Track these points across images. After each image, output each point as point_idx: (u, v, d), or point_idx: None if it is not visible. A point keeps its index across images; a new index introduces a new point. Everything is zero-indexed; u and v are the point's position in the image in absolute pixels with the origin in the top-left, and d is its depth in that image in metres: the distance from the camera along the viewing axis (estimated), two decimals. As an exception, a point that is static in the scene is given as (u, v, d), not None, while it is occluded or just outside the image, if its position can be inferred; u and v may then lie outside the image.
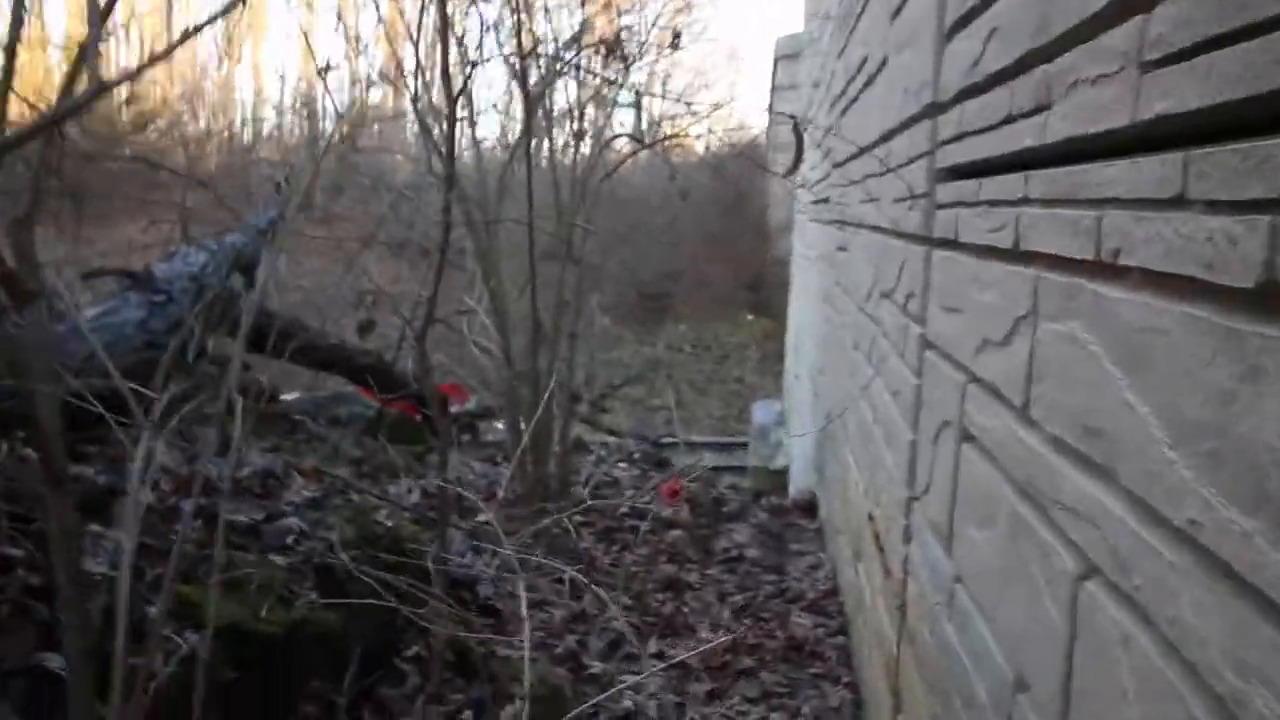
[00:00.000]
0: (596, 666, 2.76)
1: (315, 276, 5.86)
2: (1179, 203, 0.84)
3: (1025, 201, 1.35)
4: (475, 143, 4.26)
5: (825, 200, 5.07)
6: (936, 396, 1.89)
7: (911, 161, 2.31)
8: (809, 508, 4.53)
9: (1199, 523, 0.78)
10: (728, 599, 3.44)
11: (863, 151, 3.32)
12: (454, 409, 6.55)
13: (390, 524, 2.58)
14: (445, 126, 2.30)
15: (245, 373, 3.80)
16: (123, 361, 2.25)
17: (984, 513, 1.46)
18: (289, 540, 2.23)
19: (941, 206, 1.96)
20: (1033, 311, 1.28)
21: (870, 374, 2.92)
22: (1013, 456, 1.32)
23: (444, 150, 2.35)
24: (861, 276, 3.30)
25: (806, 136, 4.66)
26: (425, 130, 2.97)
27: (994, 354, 1.47)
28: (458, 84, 2.32)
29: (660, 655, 2.95)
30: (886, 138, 2.72)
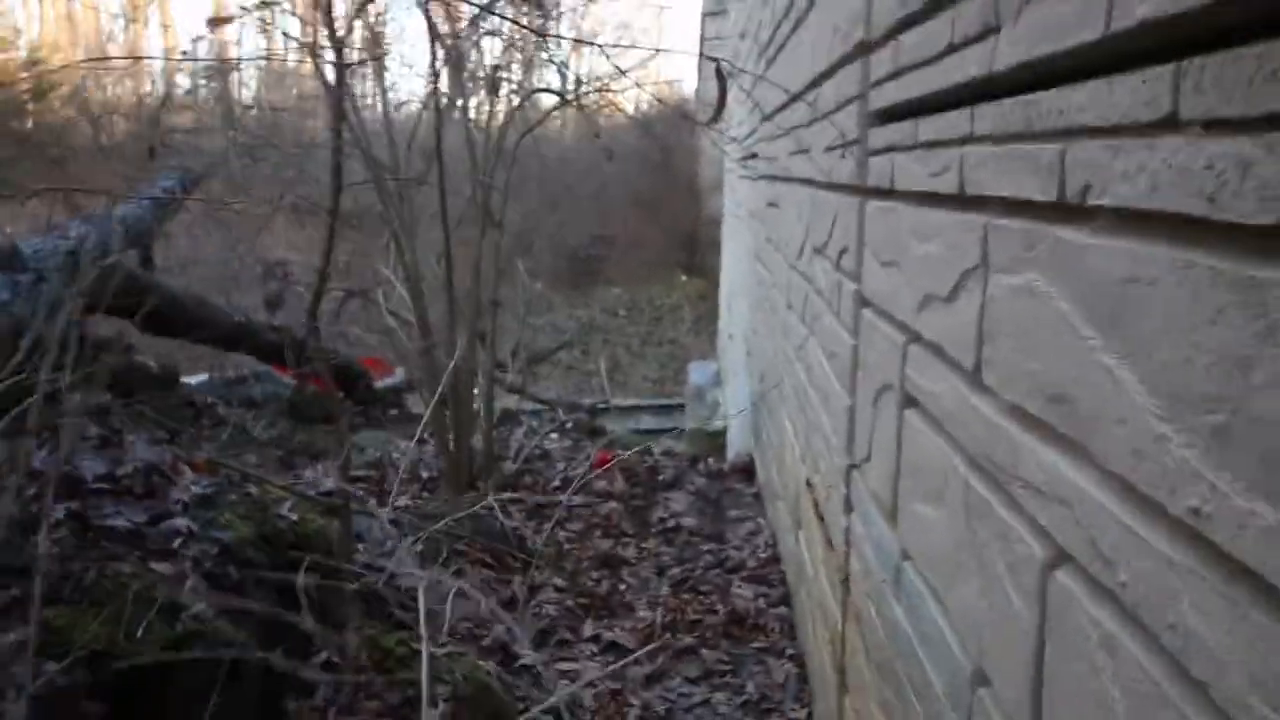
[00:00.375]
0: (528, 656, 2.61)
1: (223, 249, 5.52)
2: (1168, 125, 0.70)
3: (971, 140, 1.21)
4: (385, 101, 3.99)
5: (754, 155, 4.91)
6: (874, 358, 1.76)
7: (841, 107, 2.17)
8: (747, 471, 4.43)
9: (1204, 513, 0.64)
10: (666, 572, 3.32)
11: (791, 100, 3.16)
12: (378, 384, 6.30)
13: (295, 518, 2.37)
14: (333, 72, 2.08)
15: (125, 354, 3.53)
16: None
17: (932, 486, 1.33)
18: (175, 544, 2.02)
19: (875, 153, 1.82)
20: (982, 263, 1.14)
21: (804, 334, 2.79)
22: (963, 425, 1.19)
23: (333, 101, 2.12)
24: (793, 232, 3.16)
25: (733, 90, 4.49)
26: (324, 84, 2.72)
27: (938, 311, 1.33)
28: (343, 25, 2.08)
29: (597, 638, 2.81)
30: (815, 83, 2.57)
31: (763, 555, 3.39)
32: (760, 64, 4.69)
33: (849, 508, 1.95)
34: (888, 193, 1.70)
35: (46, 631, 1.59)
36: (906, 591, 1.45)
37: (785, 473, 3.14)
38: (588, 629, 2.87)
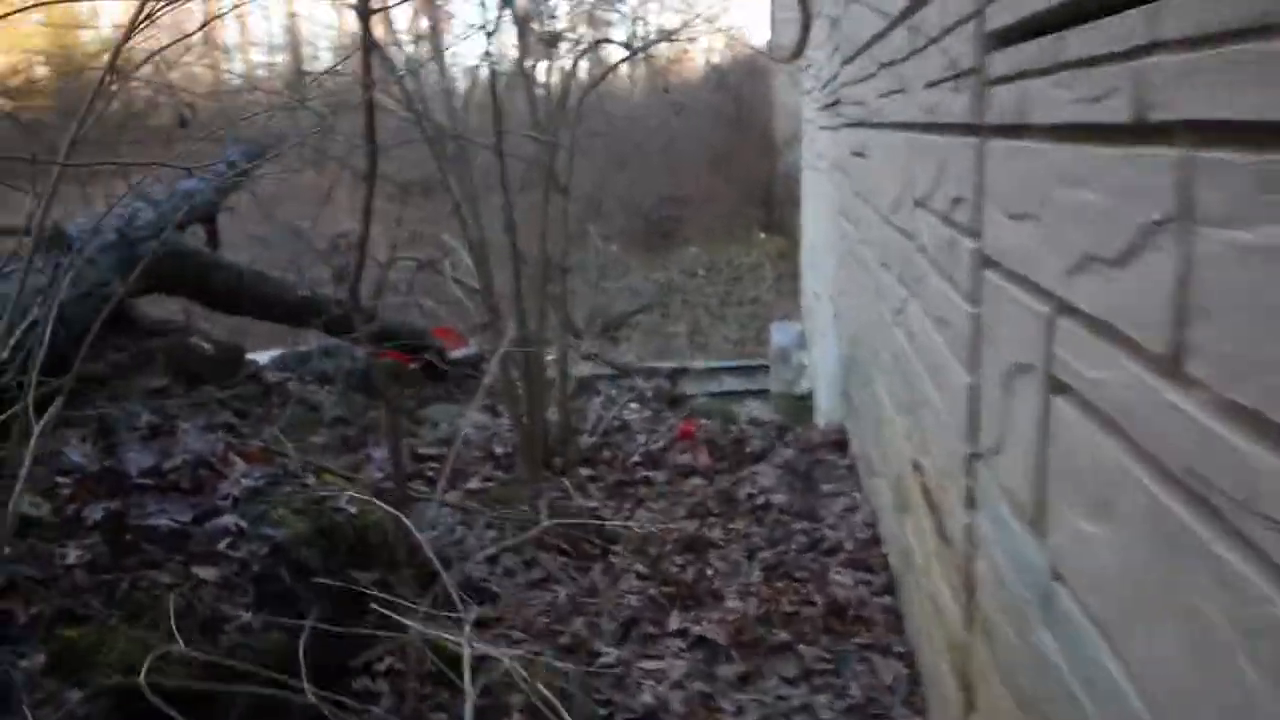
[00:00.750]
0: (610, 654, 2.41)
1: (288, 222, 5.42)
2: None
3: (1154, 48, 0.91)
4: (440, 58, 3.78)
5: (836, 103, 4.57)
6: (1005, 331, 1.47)
7: (950, 30, 1.86)
8: (839, 442, 4.15)
9: None
10: (757, 556, 3.08)
11: (883, 33, 2.84)
12: (452, 355, 6.18)
13: (354, 510, 2.21)
14: (360, 21, 1.86)
15: (180, 336, 3.41)
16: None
17: (1099, 496, 1.05)
18: (222, 545, 1.86)
19: (997, 81, 1.52)
20: (1181, 214, 0.86)
21: (903, 296, 2.50)
22: (1151, 426, 0.91)
23: (362, 51, 1.90)
24: (885, 183, 2.85)
25: (816, 23, 4.15)
26: (363, 38, 2.48)
27: (1103, 276, 1.05)
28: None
29: (684, 632, 2.60)
30: (913, 8, 2.25)
31: (861, 536, 3.13)
32: (842, 3, 4.33)
33: (972, 503, 1.68)
34: (1018, 129, 1.41)
35: (73, 654, 1.44)
36: (1061, 620, 1.19)
37: (885, 448, 2.86)
38: (673, 621, 2.66)
